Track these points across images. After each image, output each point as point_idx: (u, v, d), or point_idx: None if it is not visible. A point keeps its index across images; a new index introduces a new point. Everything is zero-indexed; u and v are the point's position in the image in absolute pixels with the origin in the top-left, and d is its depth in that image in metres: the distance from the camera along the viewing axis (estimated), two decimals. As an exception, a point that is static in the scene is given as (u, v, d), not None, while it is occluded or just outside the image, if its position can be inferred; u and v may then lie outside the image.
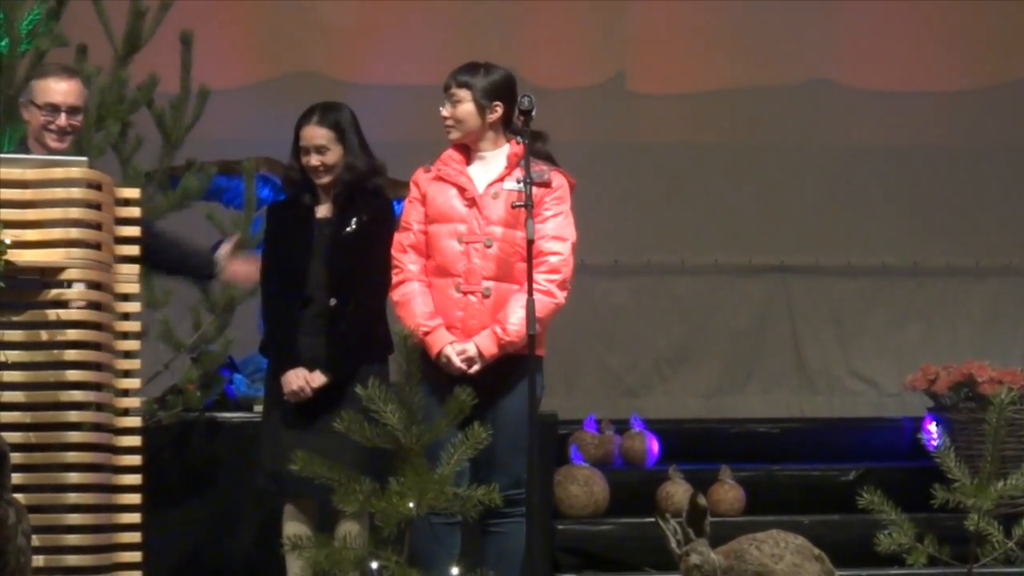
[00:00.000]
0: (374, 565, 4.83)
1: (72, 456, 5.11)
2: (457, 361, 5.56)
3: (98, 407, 5.21)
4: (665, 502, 7.49)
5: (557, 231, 5.66)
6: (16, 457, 4.82)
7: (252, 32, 9.12)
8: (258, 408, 6.69)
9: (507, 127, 5.75)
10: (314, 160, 6.01)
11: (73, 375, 5.13)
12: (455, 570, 5.24)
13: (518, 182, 5.54)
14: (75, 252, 5.14)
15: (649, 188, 9.26)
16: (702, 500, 5.47)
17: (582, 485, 7.61)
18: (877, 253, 9.42)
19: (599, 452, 8.00)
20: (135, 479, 5.32)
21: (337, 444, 5.31)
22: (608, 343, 9.33)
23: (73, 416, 5.12)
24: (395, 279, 5.74)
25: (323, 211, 6.07)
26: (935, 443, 5.60)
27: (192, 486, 7.04)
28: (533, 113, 5.54)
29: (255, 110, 8.65)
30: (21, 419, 5.08)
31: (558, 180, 5.69)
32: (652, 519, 5.58)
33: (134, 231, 5.38)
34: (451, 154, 5.75)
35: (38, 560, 4.91)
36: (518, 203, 5.47)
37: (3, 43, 6.43)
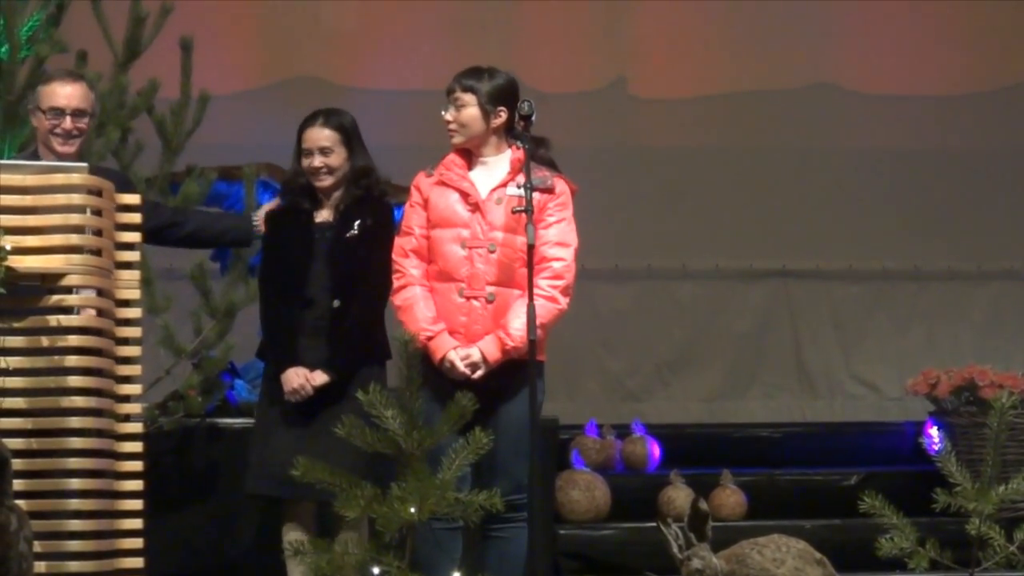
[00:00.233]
0: (376, 570, 4.83)
1: (73, 462, 5.10)
2: (461, 366, 5.55)
3: (99, 413, 5.20)
4: (667, 507, 7.48)
5: (560, 237, 5.65)
6: (18, 463, 4.82)
7: (252, 37, 9.12)
8: (257, 411, 6.70)
9: (509, 132, 5.74)
10: (317, 161, 6.01)
11: (74, 381, 5.12)
12: (456, 575, 5.23)
13: (520, 187, 5.53)
14: (76, 258, 5.13)
15: (650, 192, 9.27)
16: (703, 505, 5.47)
17: (584, 490, 7.61)
18: (878, 257, 9.43)
19: (600, 457, 8.00)
20: (136, 485, 5.32)
21: (336, 445, 5.30)
22: (609, 348, 9.33)
23: (74, 422, 5.11)
24: (396, 283, 5.73)
25: (323, 215, 6.07)
26: (936, 447, 5.61)
27: (193, 492, 7.04)
28: (533, 118, 5.53)
29: (255, 115, 8.66)
30: (22, 425, 5.08)
31: (561, 186, 5.69)
32: (654, 524, 5.58)
33: (134, 237, 5.38)
34: (453, 159, 5.74)
35: (40, 566, 4.91)
36: (519, 208, 5.47)
37: (3, 49, 6.44)
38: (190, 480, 7.04)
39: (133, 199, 5.42)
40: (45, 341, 5.12)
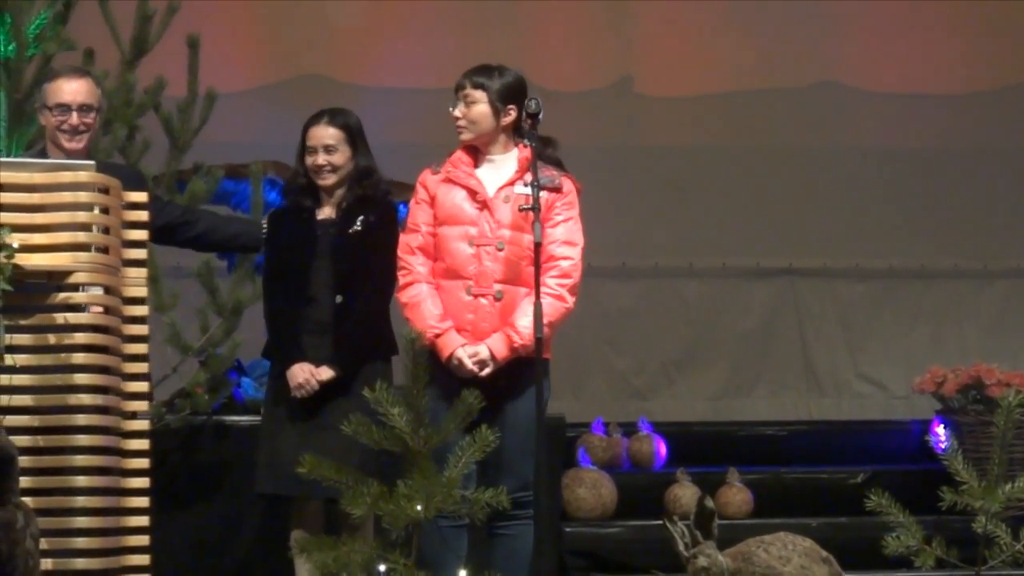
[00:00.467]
0: (382, 568, 4.83)
1: (80, 459, 5.11)
2: (469, 364, 5.55)
3: (106, 410, 5.21)
4: (673, 505, 7.49)
5: (568, 236, 5.66)
6: (24, 461, 4.82)
7: (259, 35, 9.13)
8: (264, 410, 6.70)
9: (516, 131, 5.74)
10: (321, 159, 6.01)
11: (81, 379, 5.13)
12: (463, 573, 5.23)
13: (527, 186, 5.53)
14: (83, 256, 5.14)
15: (657, 191, 9.27)
16: (710, 503, 5.47)
17: (590, 488, 7.61)
18: (885, 256, 9.42)
19: (607, 455, 8.00)
20: (143, 482, 5.32)
21: (343, 441, 5.30)
22: (616, 346, 9.33)
23: (81, 419, 5.12)
24: (403, 281, 5.73)
25: (325, 213, 6.08)
26: (943, 446, 5.61)
27: (200, 489, 7.04)
28: (540, 116, 5.54)
29: (262, 113, 8.67)
30: (29, 423, 5.08)
31: (568, 186, 5.69)
32: (660, 522, 5.58)
33: (142, 234, 5.38)
34: (460, 156, 5.74)
35: (47, 563, 4.91)
36: (525, 206, 5.47)
37: (10, 47, 6.44)
38: (197, 477, 7.04)
39: (140, 197, 5.42)
40: (52, 339, 5.12)
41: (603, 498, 7.62)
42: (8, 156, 6.20)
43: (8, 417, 5.02)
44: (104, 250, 5.21)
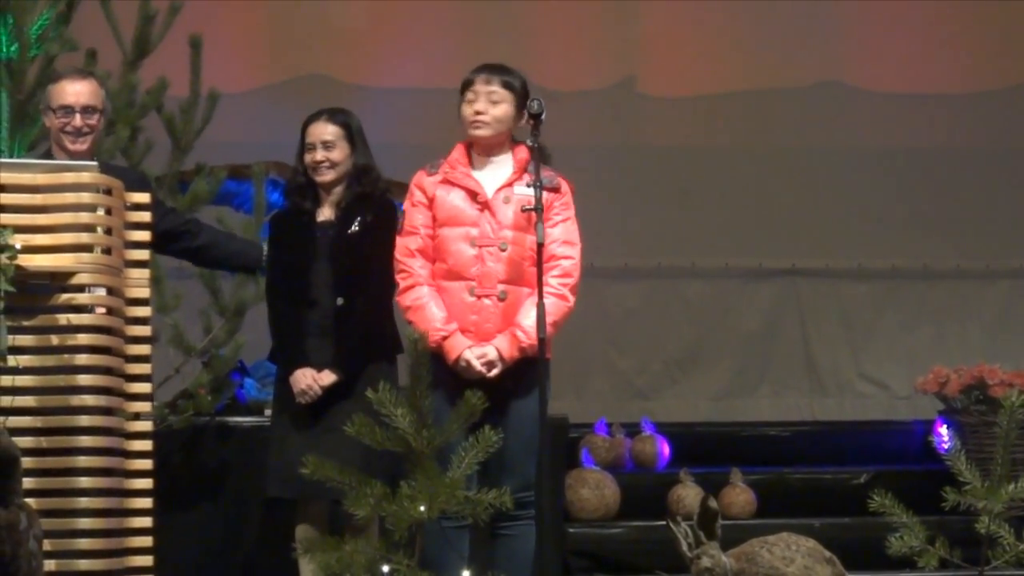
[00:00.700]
0: (385, 568, 4.83)
1: (83, 461, 5.10)
2: (477, 365, 5.54)
3: (109, 411, 5.21)
4: (676, 505, 7.48)
5: (567, 235, 5.66)
6: (27, 462, 4.82)
7: (261, 35, 9.13)
8: (269, 412, 6.69)
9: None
10: (319, 155, 6.02)
11: (84, 379, 5.12)
12: (466, 573, 5.24)
13: (528, 186, 5.52)
14: (85, 257, 5.14)
15: (659, 191, 9.26)
16: (713, 503, 5.47)
17: (593, 488, 7.61)
18: (887, 256, 9.42)
19: (610, 455, 8.00)
20: (146, 483, 5.32)
21: (346, 442, 5.30)
22: (618, 346, 9.33)
23: (84, 421, 5.12)
24: (403, 283, 5.70)
25: (325, 214, 6.08)
26: (946, 446, 5.60)
27: (203, 490, 7.04)
28: (543, 117, 5.53)
29: (265, 113, 8.66)
30: (32, 424, 5.08)
31: (564, 186, 5.69)
32: (663, 522, 5.58)
33: (144, 236, 5.38)
34: (457, 157, 5.72)
35: (50, 564, 4.91)
36: (528, 207, 5.46)
37: (13, 48, 6.44)
38: (200, 478, 7.04)
39: (143, 198, 5.42)
40: (55, 340, 5.12)
41: (606, 499, 7.62)
42: (11, 157, 6.20)
43: (11, 418, 5.02)
44: (107, 251, 5.21)
